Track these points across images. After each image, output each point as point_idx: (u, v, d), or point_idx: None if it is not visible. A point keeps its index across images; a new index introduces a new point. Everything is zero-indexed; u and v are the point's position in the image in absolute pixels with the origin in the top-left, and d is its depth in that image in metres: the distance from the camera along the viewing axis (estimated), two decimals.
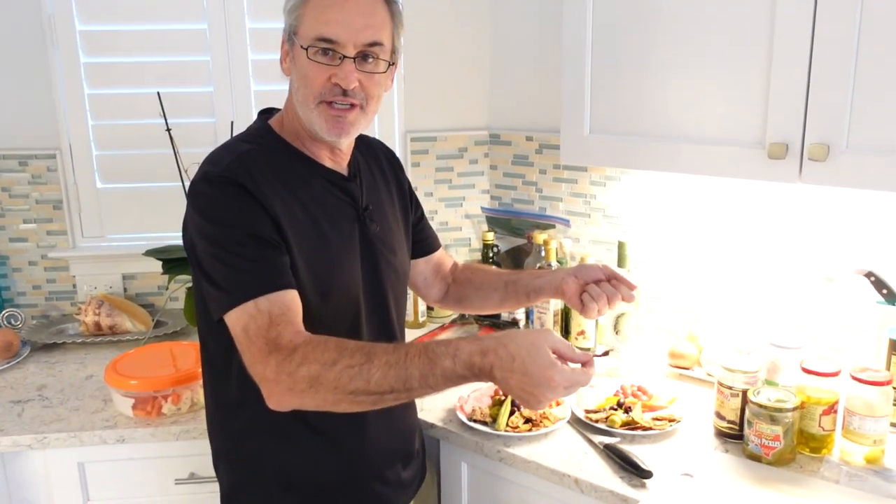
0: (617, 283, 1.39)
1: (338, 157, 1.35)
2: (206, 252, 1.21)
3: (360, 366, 1.08)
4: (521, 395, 1.09)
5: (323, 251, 1.28)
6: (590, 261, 1.90)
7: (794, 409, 1.42)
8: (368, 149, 1.48)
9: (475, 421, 1.58)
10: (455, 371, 1.08)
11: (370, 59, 1.24)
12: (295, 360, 1.10)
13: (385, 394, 1.09)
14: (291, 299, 1.19)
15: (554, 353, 1.08)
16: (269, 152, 1.28)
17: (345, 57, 1.21)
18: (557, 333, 1.08)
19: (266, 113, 1.37)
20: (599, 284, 1.38)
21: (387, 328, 1.41)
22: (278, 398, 1.14)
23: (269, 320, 1.14)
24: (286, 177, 1.26)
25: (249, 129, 1.36)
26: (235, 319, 1.17)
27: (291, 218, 1.24)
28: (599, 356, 1.12)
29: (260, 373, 1.14)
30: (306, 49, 1.22)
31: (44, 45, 2.12)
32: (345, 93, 1.23)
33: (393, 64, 1.29)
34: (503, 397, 1.62)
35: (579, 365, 1.10)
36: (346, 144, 1.35)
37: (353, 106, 1.25)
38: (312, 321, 1.22)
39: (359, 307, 1.34)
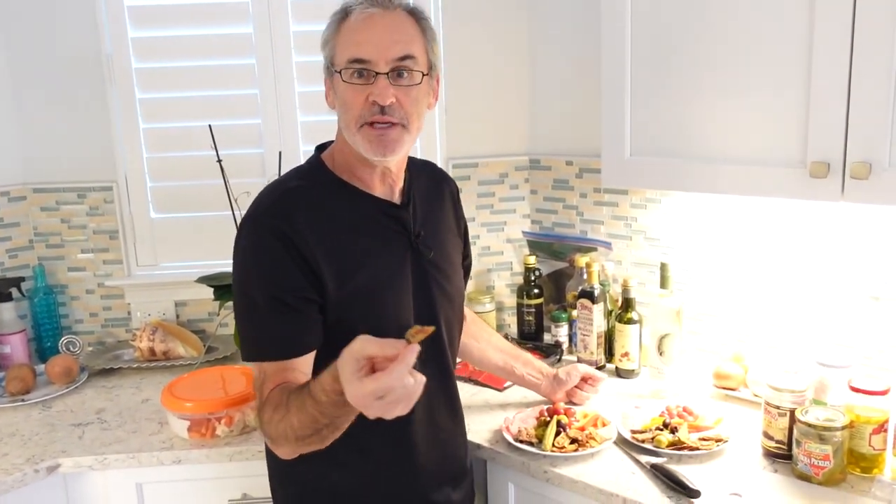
0: (594, 380, 1.79)
1: (389, 182, 1.37)
2: (237, 301, 1.33)
3: (283, 418, 1.16)
4: (367, 412, 1.00)
5: (370, 281, 1.31)
6: (633, 283, 1.92)
7: (844, 427, 1.41)
8: (433, 180, 1.51)
9: (521, 441, 1.60)
10: (332, 400, 1.05)
11: (404, 74, 1.26)
12: (261, 419, 1.24)
13: (312, 435, 1.14)
14: (293, 363, 1.27)
15: (369, 360, 0.99)
16: (317, 187, 1.33)
17: (378, 74, 1.24)
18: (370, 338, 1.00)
19: (322, 147, 1.41)
20: (582, 388, 1.78)
21: (439, 355, 1.43)
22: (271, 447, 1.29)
23: (265, 379, 1.26)
24: (332, 211, 1.31)
25: (303, 164, 1.41)
26: (251, 365, 1.32)
27: (334, 254, 1.28)
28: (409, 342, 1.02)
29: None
30: (341, 73, 1.26)
31: (102, 83, 2.22)
32: (383, 110, 1.25)
33: (427, 75, 1.30)
34: (548, 418, 1.63)
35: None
36: (396, 166, 1.37)
37: (393, 125, 1.26)
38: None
39: None
